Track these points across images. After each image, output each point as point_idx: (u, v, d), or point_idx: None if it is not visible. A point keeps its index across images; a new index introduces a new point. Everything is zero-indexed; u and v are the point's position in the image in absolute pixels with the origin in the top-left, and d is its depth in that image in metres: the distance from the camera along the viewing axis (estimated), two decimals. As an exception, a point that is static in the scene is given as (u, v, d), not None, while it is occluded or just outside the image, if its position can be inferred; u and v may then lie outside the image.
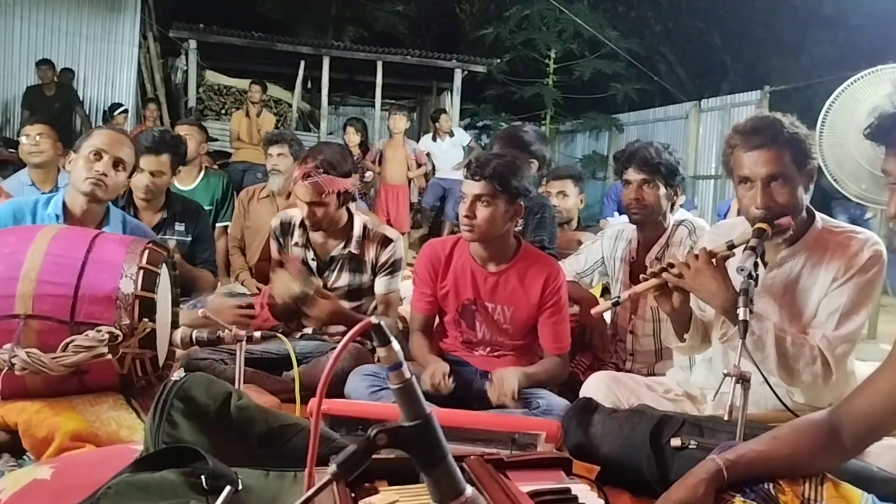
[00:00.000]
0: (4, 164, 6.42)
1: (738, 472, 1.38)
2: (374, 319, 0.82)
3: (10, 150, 6.57)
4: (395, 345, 0.84)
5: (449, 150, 8.03)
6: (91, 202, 2.59)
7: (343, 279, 2.88)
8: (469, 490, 0.86)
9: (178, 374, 1.94)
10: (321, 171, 2.68)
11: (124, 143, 2.66)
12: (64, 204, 2.60)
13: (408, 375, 0.84)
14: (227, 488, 1.16)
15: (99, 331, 1.92)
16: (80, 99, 9.22)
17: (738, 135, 1.98)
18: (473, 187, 2.43)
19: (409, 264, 3.80)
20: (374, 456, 0.89)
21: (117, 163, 2.59)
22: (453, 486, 0.84)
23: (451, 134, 8.19)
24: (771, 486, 1.38)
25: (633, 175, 2.76)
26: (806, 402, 2.04)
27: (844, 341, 1.95)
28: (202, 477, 1.36)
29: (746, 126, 1.98)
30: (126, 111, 8.93)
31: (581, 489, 1.16)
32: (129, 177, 2.72)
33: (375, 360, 2.90)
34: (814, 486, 1.39)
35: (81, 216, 2.60)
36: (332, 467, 0.81)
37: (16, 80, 9.44)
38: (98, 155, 2.56)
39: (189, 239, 3.36)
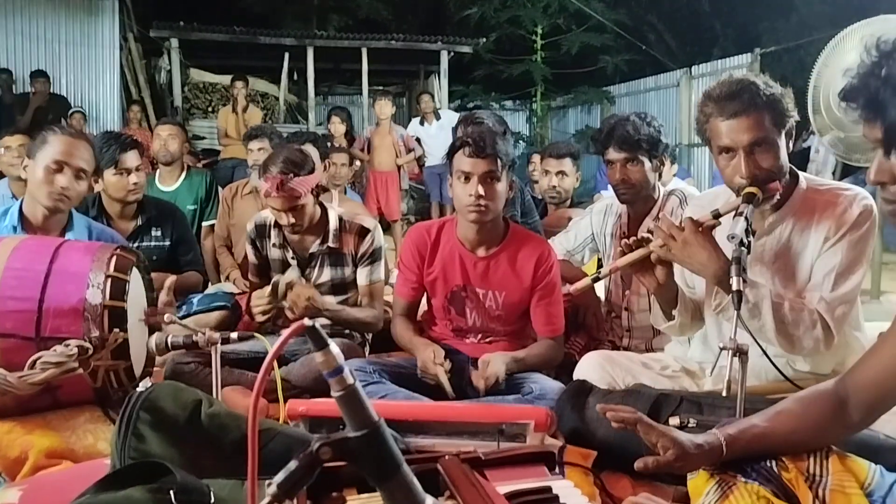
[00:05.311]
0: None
1: (739, 448, 1.32)
2: (307, 321, 0.74)
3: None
4: (334, 348, 0.76)
5: (437, 134, 7.89)
6: (53, 213, 2.46)
7: (325, 274, 2.80)
8: (429, 501, 0.78)
9: (144, 385, 1.87)
10: (290, 175, 2.57)
11: (85, 148, 2.49)
12: (22, 213, 2.47)
13: (350, 381, 0.75)
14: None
15: (67, 345, 1.85)
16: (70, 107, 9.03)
17: (712, 102, 1.87)
18: (480, 165, 2.30)
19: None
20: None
21: (78, 171, 2.43)
22: (410, 499, 0.76)
23: (438, 116, 8.06)
24: (774, 463, 1.33)
25: (614, 155, 2.65)
26: (809, 371, 1.96)
27: (843, 302, 1.86)
28: (171, 492, 1.30)
29: (721, 92, 1.86)
30: (81, 112, 8.65)
31: (563, 486, 1.08)
32: (92, 180, 2.57)
33: (365, 353, 2.85)
34: (819, 460, 1.34)
35: (43, 225, 2.46)
36: (272, 488, 0.73)
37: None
38: (59, 167, 2.39)
39: (167, 244, 3.22)
